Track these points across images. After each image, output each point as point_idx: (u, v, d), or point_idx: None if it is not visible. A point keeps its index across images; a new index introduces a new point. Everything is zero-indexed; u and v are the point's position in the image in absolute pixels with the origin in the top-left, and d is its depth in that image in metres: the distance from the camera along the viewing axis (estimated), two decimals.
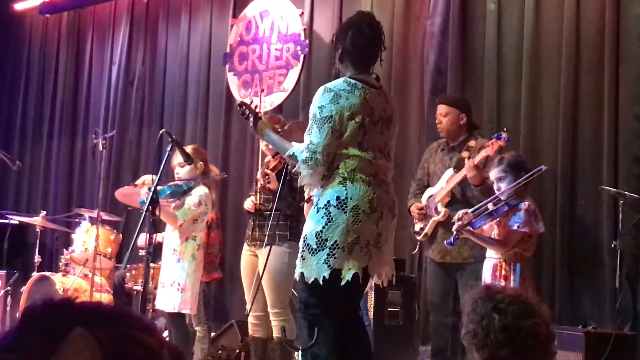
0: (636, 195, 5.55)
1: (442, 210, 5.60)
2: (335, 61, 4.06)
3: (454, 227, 4.72)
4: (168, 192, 5.60)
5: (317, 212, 3.83)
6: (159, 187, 5.57)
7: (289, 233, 5.70)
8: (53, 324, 1.10)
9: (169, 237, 5.82)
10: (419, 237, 5.81)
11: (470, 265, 5.46)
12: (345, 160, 3.86)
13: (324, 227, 3.78)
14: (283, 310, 5.69)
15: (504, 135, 5.33)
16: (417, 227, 5.81)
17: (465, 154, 5.58)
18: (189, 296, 5.68)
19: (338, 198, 3.79)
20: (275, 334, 5.69)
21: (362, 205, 3.79)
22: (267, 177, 5.71)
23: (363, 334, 4.05)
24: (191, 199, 5.74)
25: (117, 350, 1.11)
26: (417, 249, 5.98)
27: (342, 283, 3.75)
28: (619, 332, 5.24)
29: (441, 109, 5.79)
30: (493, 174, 4.90)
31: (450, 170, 5.62)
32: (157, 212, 4.76)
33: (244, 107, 4.24)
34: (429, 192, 5.79)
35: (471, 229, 4.71)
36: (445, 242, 4.97)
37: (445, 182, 5.63)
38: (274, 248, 5.68)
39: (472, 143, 5.64)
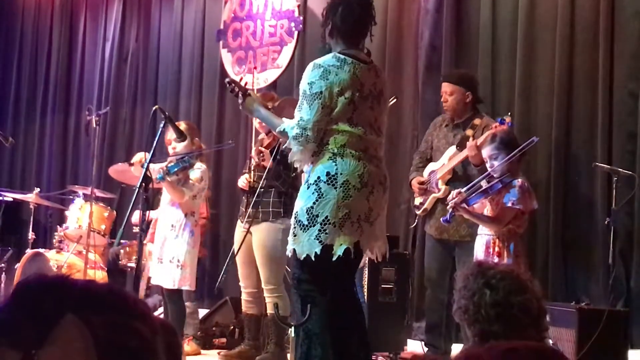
0: (630, 172, 5.55)
1: (442, 187, 5.61)
2: (325, 36, 4.04)
3: (449, 205, 4.72)
4: (176, 168, 5.60)
5: (308, 188, 3.83)
6: (170, 163, 5.59)
7: (282, 210, 5.71)
8: (46, 309, 1.08)
9: (166, 214, 5.81)
10: (418, 212, 5.82)
11: (468, 244, 5.46)
12: (335, 136, 3.85)
13: (314, 203, 3.77)
14: (277, 287, 5.71)
15: (507, 120, 5.30)
16: (417, 201, 5.82)
17: (469, 132, 5.56)
18: (189, 272, 5.68)
19: (328, 174, 3.79)
20: (269, 310, 5.71)
21: (352, 181, 3.79)
22: (261, 154, 5.71)
23: (357, 309, 4.05)
24: (194, 175, 5.74)
25: (110, 339, 1.09)
26: (415, 223, 5.97)
27: (334, 258, 3.75)
28: (612, 308, 5.25)
29: (446, 87, 5.75)
30: (486, 151, 4.90)
31: (453, 148, 5.60)
32: (150, 189, 4.76)
33: (233, 85, 4.22)
34: (430, 167, 5.78)
35: (466, 207, 4.71)
36: (441, 219, 4.97)
37: (448, 159, 5.62)
38: (267, 225, 5.69)
39: (477, 121, 5.62)
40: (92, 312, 1.10)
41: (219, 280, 5.23)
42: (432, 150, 5.87)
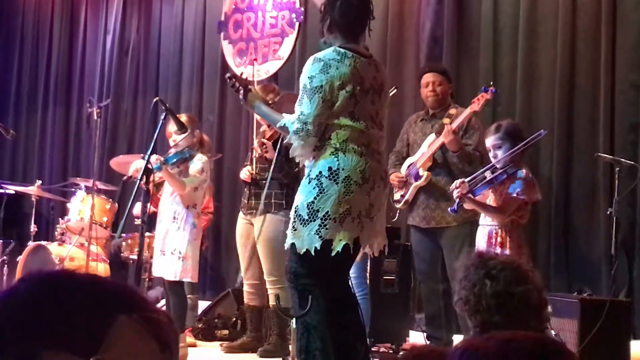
0: (632, 162, 5.54)
1: (424, 174, 5.59)
2: (324, 31, 4.03)
3: (456, 195, 4.70)
4: (174, 159, 5.59)
5: (309, 182, 3.81)
6: (168, 154, 5.59)
7: (284, 202, 5.71)
8: (100, 311, 1.06)
9: (167, 205, 5.80)
10: (398, 206, 5.81)
11: (453, 229, 5.48)
12: (337, 130, 3.83)
13: (315, 198, 3.76)
14: (279, 279, 5.70)
15: (490, 88, 5.32)
16: (397, 195, 5.80)
17: (446, 120, 5.56)
18: (190, 264, 5.67)
19: (330, 169, 3.77)
20: (271, 302, 5.71)
21: (354, 176, 3.77)
22: (264, 146, 5.71)
23: (354, 302, 4.04)
24: (195, 166, 5.72)
25: (158, 335, 1.09)
26: (397, 217, 5.95)
27: (333, 254, 3.74)
28: (614, 298, 5.24)
29: (434, 77, 5.75)
30: (490, 141, 4.88)
31: (432, 136, 5.61)
32: (152, 181, 4.75)
33: (234, 80, 4.20)
34: (408, 161, 5.77)
35: (472, 197, 4.69)
36: (449, 209, 4.94)
37: (427, 147, 5.62)
38: (270, 216, 5.69)
39: (452, 111, 5.63)
40: (135, 311, 1.09)
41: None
42: (408, 147, 5.87)
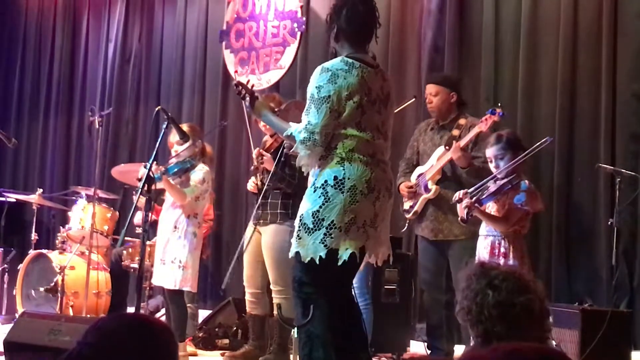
0: (633, 173, 5.55)
1: (432, 187, 5.60)
2: (331, 41, 4.03)
3: (464, 205, 4.69)
4: (175, 169, 5.59)
5: (314, 191, 3.81)
6: (169, 164, 5.59)
7: (290, 212, 5.70)
8: None
9: (168, 214, 5.81)
10: (408, 216, 5.81)
11: (461, 242, 5.47)
12: (344, 140, 3.83)
13: (320, 207, 3.76)
14: (284, 289, 5.69)
15: (498, 110, 5.31)
16: (407, 205, 5.80)
17: (455, 132, 5.57)
18: (190, 274, 5.67)
19: (335, 178, 3.77)
20: (275, 311, 5.70)
21: (359, 186, 3.77)
22: (260, 157, 5.71)
23: (357, 310, 4.04)
24: (196, 176, 5.73)
25: None
26: (406, 227, 5.96)
27: (339, 263, 3.74)
28: (615, 309, 5.25)
29: (430, 88, 5.77)
30: (491, 151, 4.87)
31: (442, 148, 5.60)
32: (154, 190, 4.76)
33: (241, 87, 4.20)
34: (418, 170, 5.78)
35: (479, 207, 4.70)
36: (459, 219, 4.94)
37: (436, 159, 5.62)
38: (276, 226, 5.70)
39: (462, 121, 5.63)
40: None
41: (224, 281, 5.20)
42: (418, 155, 5.87)
